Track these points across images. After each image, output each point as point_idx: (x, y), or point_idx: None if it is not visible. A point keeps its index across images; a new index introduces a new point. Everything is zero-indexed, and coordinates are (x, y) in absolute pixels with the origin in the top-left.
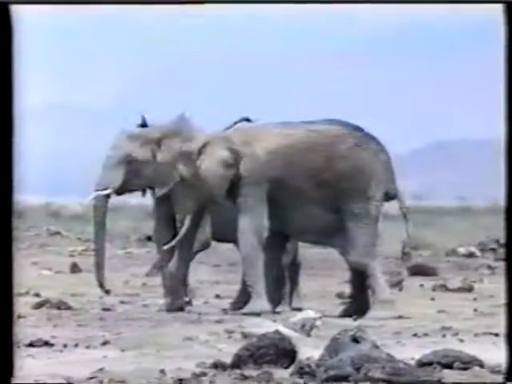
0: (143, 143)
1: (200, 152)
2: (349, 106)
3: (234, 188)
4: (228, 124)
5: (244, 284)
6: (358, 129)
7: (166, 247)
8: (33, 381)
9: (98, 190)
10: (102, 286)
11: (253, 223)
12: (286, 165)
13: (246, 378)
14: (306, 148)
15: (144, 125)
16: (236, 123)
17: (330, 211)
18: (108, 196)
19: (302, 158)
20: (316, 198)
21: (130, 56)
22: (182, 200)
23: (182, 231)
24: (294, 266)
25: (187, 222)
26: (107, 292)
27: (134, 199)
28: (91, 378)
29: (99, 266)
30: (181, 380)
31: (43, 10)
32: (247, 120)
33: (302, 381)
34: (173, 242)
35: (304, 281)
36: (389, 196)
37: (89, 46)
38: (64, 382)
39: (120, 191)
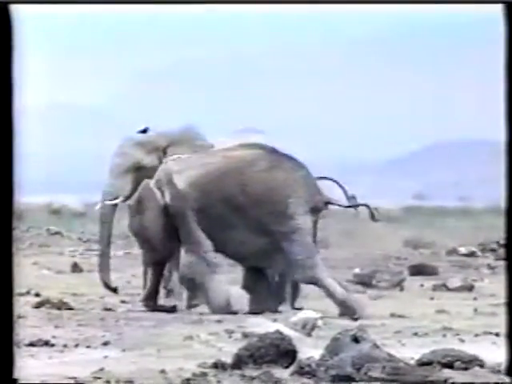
0: (150, 150)
1: (136, 208)
2: (348, 106)
3: (172, 228)
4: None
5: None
6: (273, 150)
7: (140, 300)
8: (33, 381)
9: (106, 200)
10: (108, 286)
11: (193, 247)
12: (203, 194)
13: (246, 378)
14: (220, 175)
15: (144, 131)
16: (163, 163)
17: (259, 234)
18: (116, 204)
19: (218, 185)
20: (239, 223)
21: (129, 56)
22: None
23: (149, 283)
24: None
25: (150, 274)
26: (115, 290)
27: None
28: (92, 377)
29: (104, 268)
30: (188, 380)
31: (43, 10)
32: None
33: (309, 381)
34: (143, 294)
35: None
36: (318, 208)
37: (89, 45)
38: (64, 382)
39: (128, 198)
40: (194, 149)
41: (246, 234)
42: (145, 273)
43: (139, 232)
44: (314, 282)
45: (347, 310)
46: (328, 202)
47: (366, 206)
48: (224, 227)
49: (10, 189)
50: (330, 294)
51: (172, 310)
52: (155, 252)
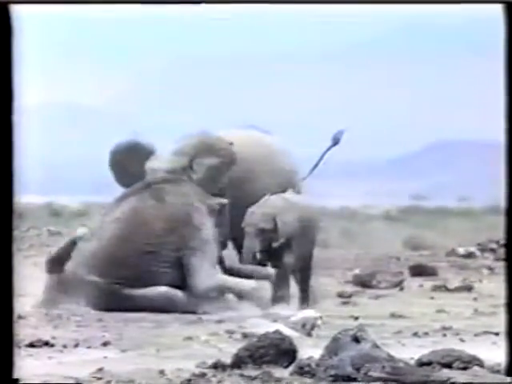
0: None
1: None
2: (349, 106)
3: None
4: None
5: None
6: (147, 185)
7: None
8: (33, 381)
9: None
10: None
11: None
12: (115, 251)
13: (246, 377)
14: (120, 239)
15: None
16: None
17: (178, 265)
18: None
19: (120, 250)
20: (158, 266)
21: (129, 56)
22: None
23: None
24: (306, 269)
25: None
26: None
27: None
28: (91, 378)
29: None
30: (189, 380)
31: (43, 10)
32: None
33: (309, 381)
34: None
35: None
36: (213, 209)
37: (89, 45)
38: (64, 382)
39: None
40: (217, 153)
41: (169, 271)
42: None
43: None
44: (221, 289)
45: (260, 298)
46: (221, 202)
47: None
48: (147, 279)
49: (9, 189)
50: (240, 293)
51: None
52: None
